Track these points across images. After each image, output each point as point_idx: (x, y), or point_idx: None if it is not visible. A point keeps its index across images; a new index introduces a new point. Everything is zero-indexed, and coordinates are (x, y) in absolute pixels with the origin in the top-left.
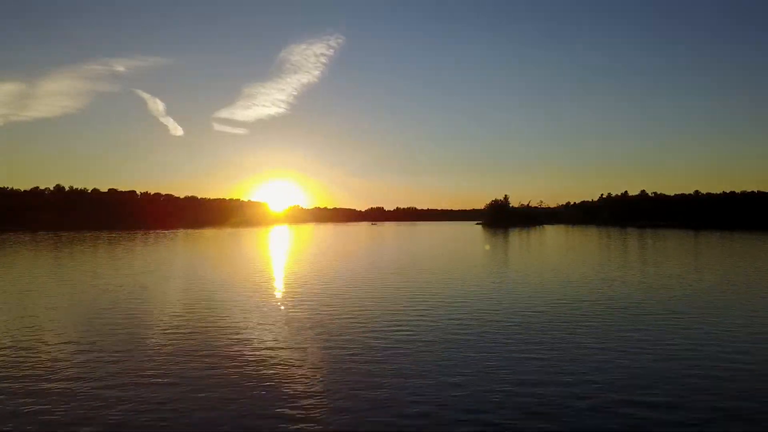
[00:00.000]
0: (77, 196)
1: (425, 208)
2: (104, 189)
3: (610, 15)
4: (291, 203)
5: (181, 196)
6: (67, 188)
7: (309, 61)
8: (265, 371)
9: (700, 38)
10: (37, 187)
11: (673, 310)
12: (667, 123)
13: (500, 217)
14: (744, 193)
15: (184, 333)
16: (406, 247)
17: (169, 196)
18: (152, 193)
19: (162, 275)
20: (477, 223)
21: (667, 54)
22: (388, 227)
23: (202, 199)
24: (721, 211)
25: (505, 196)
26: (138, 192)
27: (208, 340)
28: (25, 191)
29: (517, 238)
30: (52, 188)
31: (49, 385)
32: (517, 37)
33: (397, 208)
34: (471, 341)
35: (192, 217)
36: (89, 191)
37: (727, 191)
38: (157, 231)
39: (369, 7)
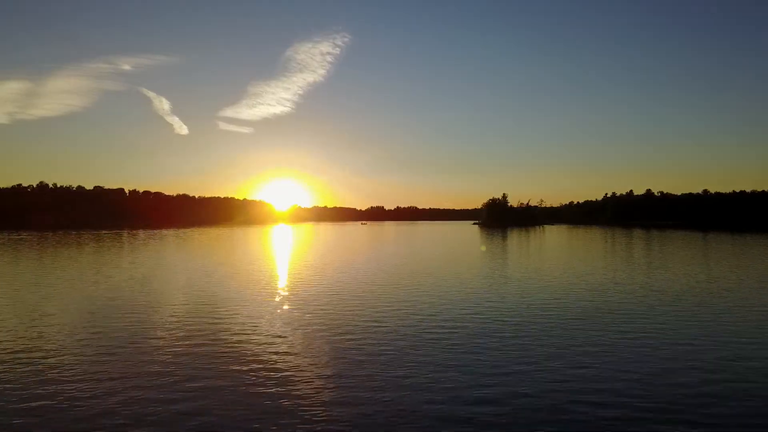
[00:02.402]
0: (62, 194)
1: (427, 207)
2: (90, 186)
3: (614, 12)
4: (295, 202)
5: (173, 195)
6: (51, 185)
7: (315, 59)
8: (268, 370)
9: (706, 34)
10: (20, 185)
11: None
12: (674, 121)
13: (498, 217)
14: (755, 193)
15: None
16: (389, 251)
17: (159, 195)
18: (141, 191)
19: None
20: (474, 223)
21: (671, 50)
22: (379, 227)
23: (195, 197)
24: (731, 211)
25: (504, 194)
26: (126, 190)
27: (199, 339)
28: (5, 189)
29: (513, 238)
30: (35, 185)
31: (51, 386)
32: (521, 37)
33: (397, 207)
34: (460, 346)
35: (185, 216)
36: (74, 188)
37: (737, 190)
38: (145, 231)
39: (375, 5)
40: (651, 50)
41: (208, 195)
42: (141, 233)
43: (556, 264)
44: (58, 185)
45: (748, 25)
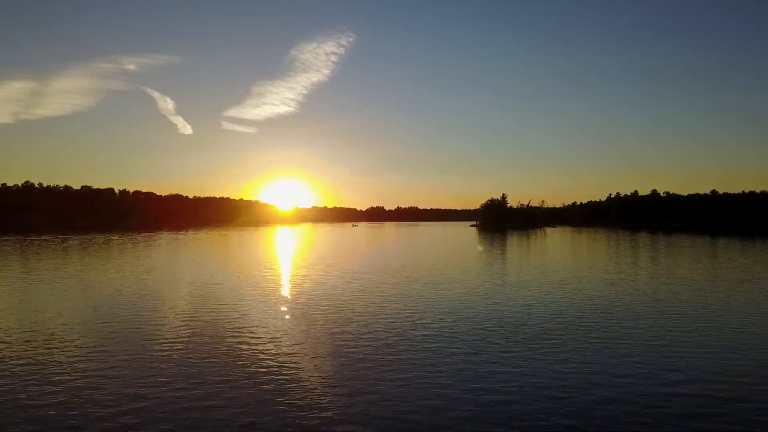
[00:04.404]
0: (48, 193)
1: (428, 207)
2: (77, 186)
3: (614, 12)
4: (297, 202)
5: (165, 194)
6: (36, 185)
7: (319, 59)
8: (272, 372)
9: (706, 34)
10: (5, 184)
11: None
12: (674, 120)
13: (497, 218)
14: (764, 193)
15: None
16: (359, 263)
17: (150, 194)
18: (132, 191)
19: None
20: (472, 225)
21: (671, 50)
22: (376, 228)
23: (188, 197)
24: (740, 213)
25: (503, 195)
26: (116, 189)
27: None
28: None
29: (507, 243)
30: (20, 185)
31: (57, 387)
32: (522, 37)
33: (397, 207)
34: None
35: (180, 217)
36: (61, 188)
37: (747, 191)
38: (135, 234)
39: (380, 6)
40: (651, 50)
41: (212, 195)
42: (129, 237)
43: (549, 283)
44: (44, 185)
45: (748, 25)
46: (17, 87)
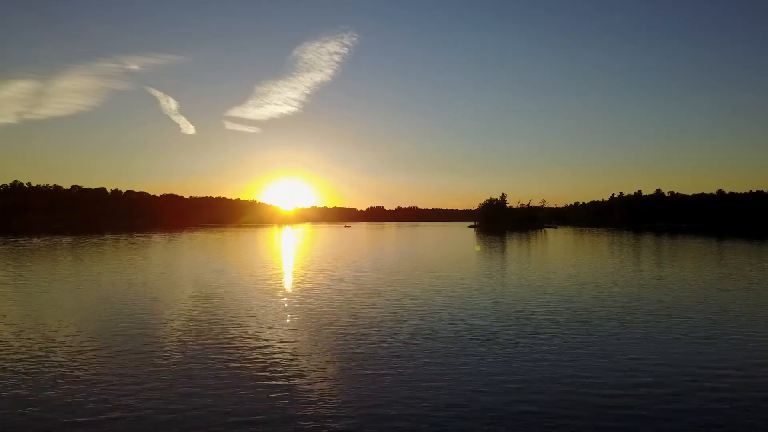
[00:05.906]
0: (37, 192)
1: (429, 207)
2: (68, 186)
3: (617, 10)
4: (300, 202)
5: (158, 194)
6: (25, 184)
7: (322, 59)
8: (272, 372)
9: (708, 33)
10: None
11: None
12: (677, 120)
13: (496, 219)
14: None
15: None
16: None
17: (142, 194)
18: (124, 191)
19: None
20: (470, 226)
21: (679, 45)
22: (374, 229)
23: (183, 197)
24: (748, 213)
25: (502, 194)
26: (108, 189)
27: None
28: None
29: (503, 246)
30: (8, 184)
31: (57, 386)
32: (524, 36)
33: (398, 207)
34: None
35: (175, 217)
36: (51, 187)
37: (754, 190)
38: (122, 235)
39: (383, 5)
40: (654, 49)
41: (211, 195)
42: (121, 239)
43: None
44: (33, 184)
45: (753, 24)
46: (20, 87)
